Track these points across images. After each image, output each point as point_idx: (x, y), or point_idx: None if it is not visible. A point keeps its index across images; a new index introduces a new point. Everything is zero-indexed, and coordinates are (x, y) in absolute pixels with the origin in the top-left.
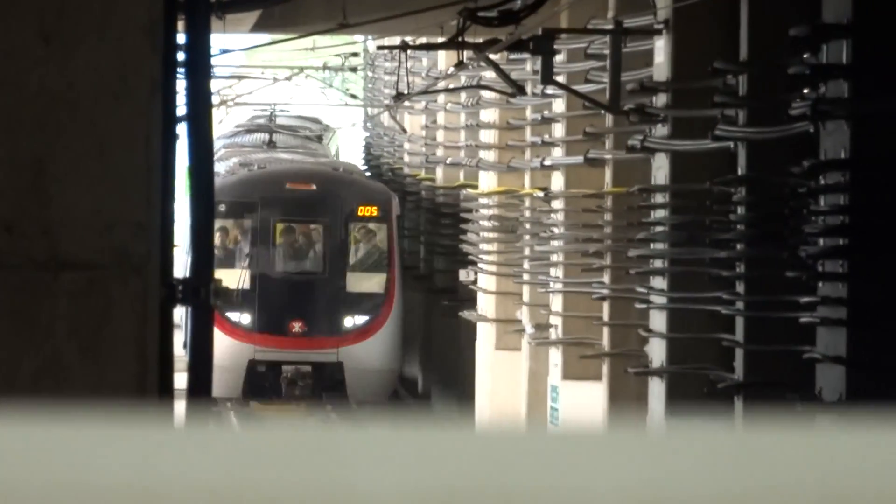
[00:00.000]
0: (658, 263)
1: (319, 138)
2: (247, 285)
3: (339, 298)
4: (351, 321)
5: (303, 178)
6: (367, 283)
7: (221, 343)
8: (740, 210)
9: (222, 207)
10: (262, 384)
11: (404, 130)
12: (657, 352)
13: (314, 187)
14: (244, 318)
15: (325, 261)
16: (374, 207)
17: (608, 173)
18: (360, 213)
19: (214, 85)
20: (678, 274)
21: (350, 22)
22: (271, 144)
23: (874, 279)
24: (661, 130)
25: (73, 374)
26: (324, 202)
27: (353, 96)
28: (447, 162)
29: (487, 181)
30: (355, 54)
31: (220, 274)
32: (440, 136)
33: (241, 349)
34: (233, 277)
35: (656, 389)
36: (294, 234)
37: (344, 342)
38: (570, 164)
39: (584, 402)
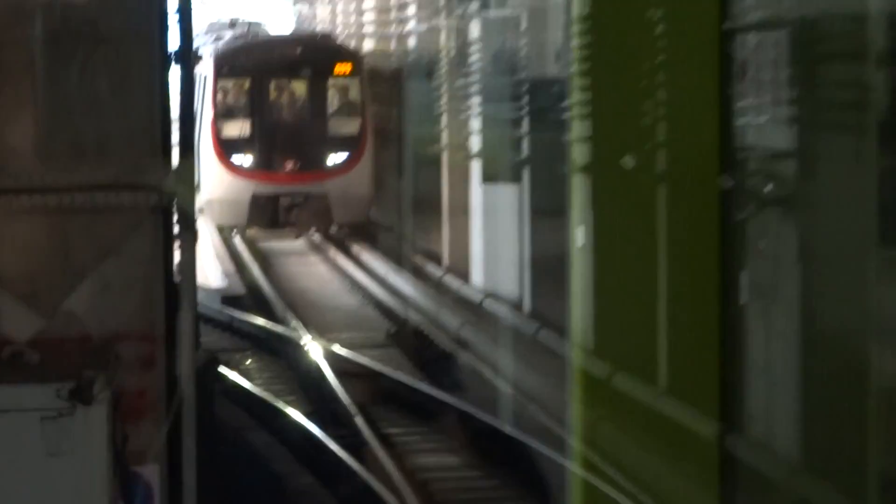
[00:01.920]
0: None
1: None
2: (247, 133)
3: (323, 140)
4: (333, 159)
5: (290, 44)
6: (345, 127)
7: (229, 182)
8: None
9: (225, 70)
10: (263, 214)
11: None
12: None
13: (299, 51)
14: (246, 161)
15: (311, 110)
16: (349, 65)
17: None
18: (336, 71)
19: None
20: None
21: None
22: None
23: None
24: None
25: None
26: (307, 62)
27: None
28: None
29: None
30: None
31: (225, 125)
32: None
33: (245, 186)
34: (236, 127)
35: None
36: (284, 89)
37: (329, 176)
38: None
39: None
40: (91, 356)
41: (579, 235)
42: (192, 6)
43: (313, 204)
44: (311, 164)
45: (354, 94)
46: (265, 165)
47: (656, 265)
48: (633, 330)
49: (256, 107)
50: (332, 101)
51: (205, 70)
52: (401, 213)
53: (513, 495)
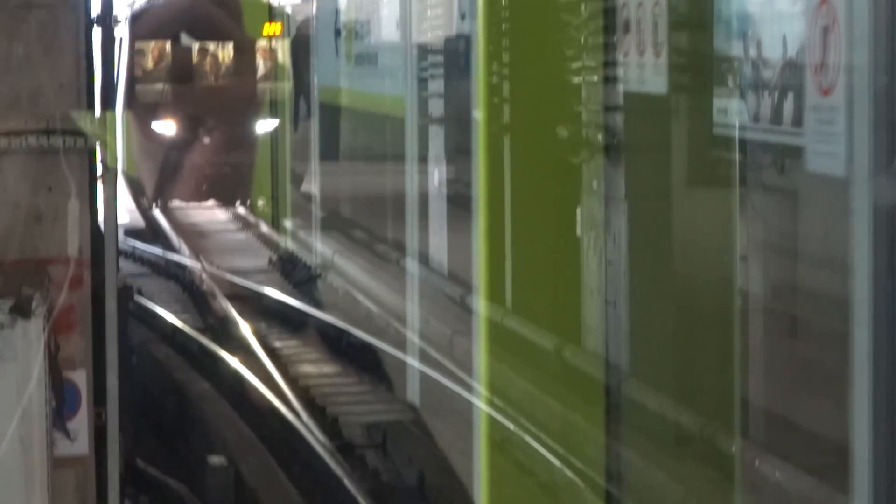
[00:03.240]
0: None
1: None
2: (170, 98)
3: (250, 104)
4: (261, 122)
5: (214, 3)
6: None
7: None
8: None
9: (144, 30)
10: (184, 186)
11: None
12: None
13: (224, 11)
14: (164, 128)
15: (238, 73)
16: (278, 25)
17: None
18: (264, 32)
19: None
20: None
21: None
22: None
23: None
24: None
25: None
26: (232, 23)
27: None
28: None
29: None
30: None
31: (143, 90)
32: None
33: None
34: (156, 92)
35: None
36: (207, 52)
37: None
38: None
39: None
40: (27, 278)
41: (435, 177)
42: None
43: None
44: (236, 132)
45: (284, 54)
46: (185, 135)
47: (506, 207)
48: (495, 263)
49: (177, 71)
50: (261, 62)
51: (122, 32)
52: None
53: (384, 398)
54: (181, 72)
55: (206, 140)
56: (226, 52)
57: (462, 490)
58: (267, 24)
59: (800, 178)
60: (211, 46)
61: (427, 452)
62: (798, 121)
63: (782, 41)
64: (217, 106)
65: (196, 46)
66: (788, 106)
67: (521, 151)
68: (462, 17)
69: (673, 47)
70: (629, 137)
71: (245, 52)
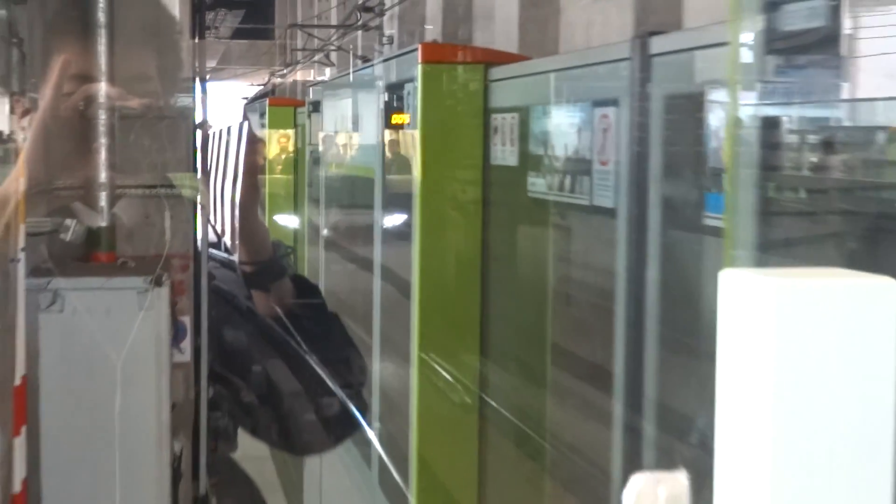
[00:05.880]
0: None
1: None
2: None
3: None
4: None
5: None
6: None
7: None
8: None
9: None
10: None
11: None
12: None
13: None
14: None
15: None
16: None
17: None
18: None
19: None
20: None
21: None
22: None
23: None
24: None
25: None
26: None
27: None
28: None
29: None
30: None
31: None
32: None
33: None
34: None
35: None
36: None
37: None
38: None
39: None
40: (160, 264)
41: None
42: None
43: None
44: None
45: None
46: None
47: (423, 234)
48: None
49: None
50: None
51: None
52: None
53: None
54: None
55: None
56: None
57: None
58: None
59: (574, 219)
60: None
61: None
62: (572, 189)
63: (565, 143)
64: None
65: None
66: (569, 180)
67: (436, 198)
68: (402, 135)
69: (522, 148)
70: (492, 192)
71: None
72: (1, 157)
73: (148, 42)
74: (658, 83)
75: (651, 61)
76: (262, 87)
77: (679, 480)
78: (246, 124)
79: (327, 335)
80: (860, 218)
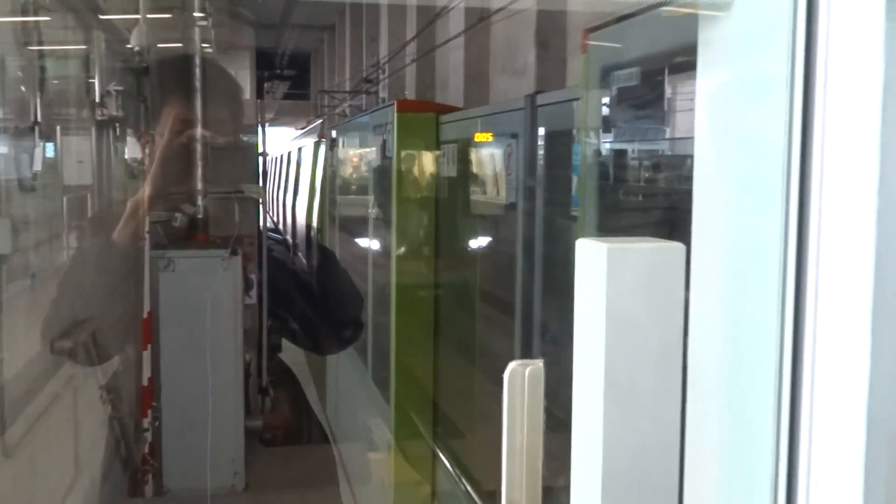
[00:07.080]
0: None
1: None
2: None
3: None
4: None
5: None
6: None
7: None
8: None
9: None
10: None
11: None
12: None
13: None
14: None
15: None
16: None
17: None
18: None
19: None
20: None
21: None
22: None
23: None
24: None
25: None
26: None
27: None
28: None
29: None
30: None
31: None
32: None
33: None
34: None
35: None
36: None
37: None
38: None
39: None
40: (236, 241)
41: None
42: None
43: None
44: None
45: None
46: None
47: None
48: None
49: None
50: None
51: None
52: None
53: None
54: None
55: None
56: None
57: None
58: None
59: (492, 210)
60: None
61: None
62: (490, 191)
63: (485, 162)
64: None
65: None
66: (489, 186)
67: (406, 196)
68: (386, 155)
69: (460, 165)
70: (441, 193)
71: None
72: (135, 174)
73: (228, 101)
74: (542, 124)
75: (537, 110)
76: (302, 129)
77: (537, 364)
78: (322, 146)
79: (331, 276)
80: (674, 211)
